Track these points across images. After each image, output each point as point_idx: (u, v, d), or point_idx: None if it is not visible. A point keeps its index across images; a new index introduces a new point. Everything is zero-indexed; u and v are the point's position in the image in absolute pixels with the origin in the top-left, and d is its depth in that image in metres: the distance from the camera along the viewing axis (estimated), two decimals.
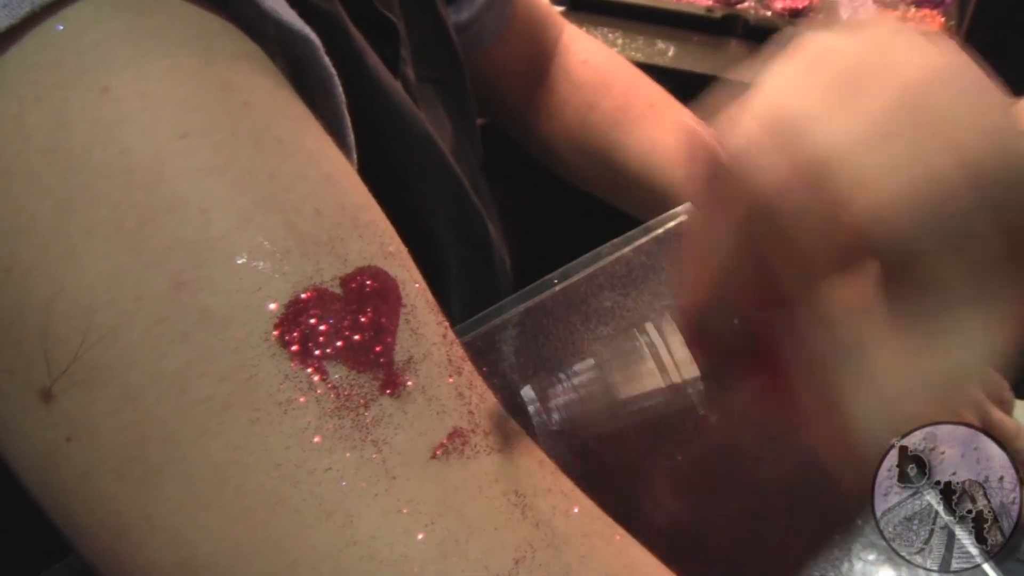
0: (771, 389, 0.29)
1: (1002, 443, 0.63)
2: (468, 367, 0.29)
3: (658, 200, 0.69)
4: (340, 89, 0.32)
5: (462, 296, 0.55)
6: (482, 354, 0.46)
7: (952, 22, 1.03)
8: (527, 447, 0.29)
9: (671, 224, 0.53)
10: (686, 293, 0.29)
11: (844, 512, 0.42)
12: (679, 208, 0.53)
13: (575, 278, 0.49)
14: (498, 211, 0.66)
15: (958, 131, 0.25)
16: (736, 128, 0.27)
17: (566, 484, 0.30)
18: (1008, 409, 0.67)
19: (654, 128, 0.70)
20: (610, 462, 0.44)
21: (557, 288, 0.49)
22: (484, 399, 0.29)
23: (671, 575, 0.30)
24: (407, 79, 0.53)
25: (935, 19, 1.05)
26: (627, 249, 0.51)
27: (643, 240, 0.52)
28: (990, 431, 0.63)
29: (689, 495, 0.43)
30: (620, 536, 0.29)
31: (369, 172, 0.47)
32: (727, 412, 0.45)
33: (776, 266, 0.28)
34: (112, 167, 0.25)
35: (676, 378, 0.27)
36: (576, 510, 0.29)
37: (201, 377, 0.24)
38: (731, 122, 0.27)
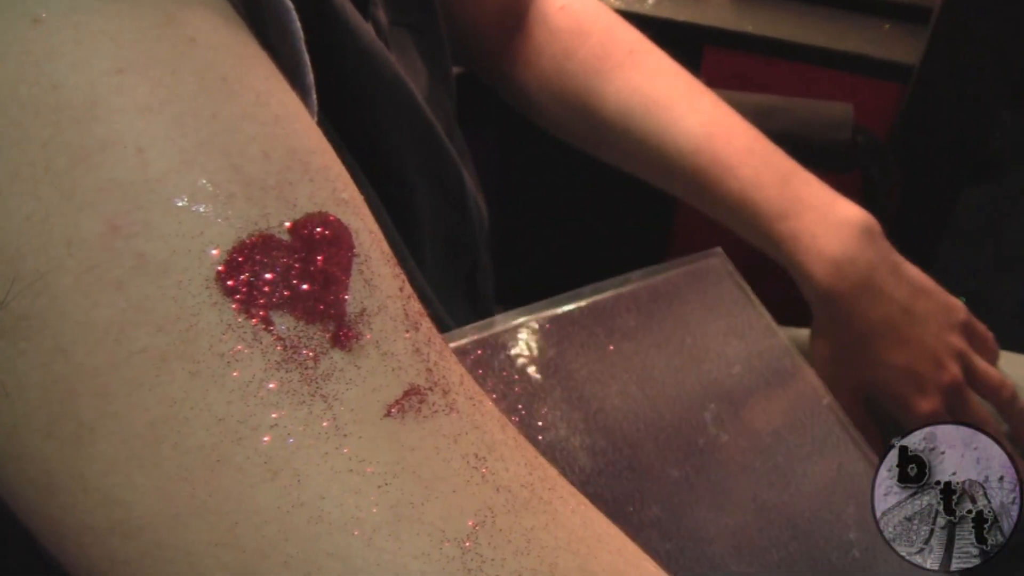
0: None
1: (985, 394, 0.63)
2: (427, 323, 0.28)
3: (636, 148, 0.67)
4: (297, 24, 0.30)
5: (435, 243, 0.55)
6: (504, 349, 0.48)
7: None
8: (489, 409, 0.28)
9: (702, 262, 0.55)
10: None
11: (843, 549, 0.44)
12: (713, 249, 0.56)
13: (604, 295, 0.52)
14: (474, 161, 0.65)
15: None
16: None
17: (529, 450, 0.28)
18: (993, 360, 0.67)
19: (633, 76, 0.69)
20: (618, 463, 0.46)
21: (585, 303, 0.51)
22: (443, 356, 0.28)
23: (636, 548, 0.29)
24: (378, 21, 0.51)
25: None
26: (657, 277, 0.54)
27: (673, 272, 0.54)
28: (974, 382, 0.63)
29: (691, 505, 0.46)
30: (584, 506, 0.28)
31: (337, 115, 0.46)
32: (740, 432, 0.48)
33: None
34: (42, 103, 0.23)
35: None
36: (540, 476, 0.27)
37: (136, 327, 0.23)
38: None
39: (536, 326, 0.49)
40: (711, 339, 0.53)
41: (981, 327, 0.67)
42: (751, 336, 0.54)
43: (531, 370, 0.47)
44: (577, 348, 0.49)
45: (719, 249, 0.56)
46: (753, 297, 0.55)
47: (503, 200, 0.87)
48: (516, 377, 0.46)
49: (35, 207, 0.23)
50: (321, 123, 0.30)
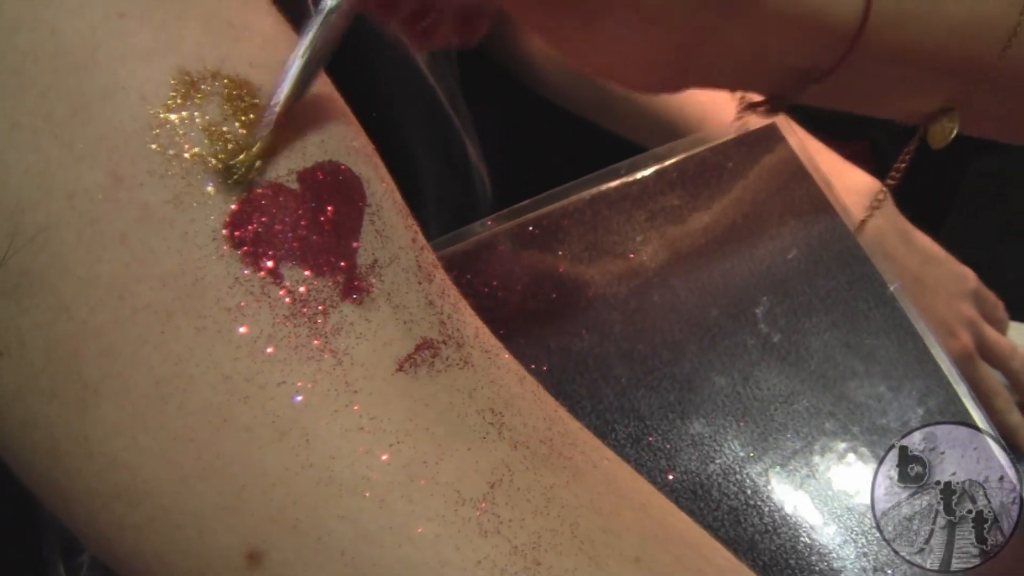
0: None
1: (996, 363, 0.63)
2: (440, 274, 0.27)
3: (645, 118, 0.67)
4: None
5: (440, 216, 0.54)
6: (535, 240, 0.43)
7: None
8: (506, 362, 0.27)
9: (753, 128, 0.49)
10: None
11: None
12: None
13: (643, 172, 0.46)
14: (478, 136, 0.64)
15: None
16: None
17: (549, 404, 0.27)
18: (1002, 329, 0.67)
19: None
20: (658, 370, 0.41)
21: (620, 181, 0.46)
22: (458, 309, 0.27)
23: (662, 502, 0.28)
24: None
25: None
26: (703, 148, 0.48)
27: (720, 141, 0.48)
28: (985, 351, 0.63)
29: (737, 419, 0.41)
30: (609, 460, 0.27)
31: (337, 79, 0.45)
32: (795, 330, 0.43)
33: None
34: (41, 50, 0.22)
35: None
36: (560, 431, 0.26)
37: (140, 282, 0.22)
38: None
39: (567, 211, 0.43)
40: (766, 220, 0.46)
41: (991, 296, 0.67)
42: (810, 214, 0.47)
43: (561, 264, 0.42)
44: (614, 236, 0.43)
45: (781, 117, 0.49)
46: (814, 165, 0.48)
47: (507, 175, 0.86)
48: (544, 274, 0.42)
49: (35, 158, 0.22)
50: None
